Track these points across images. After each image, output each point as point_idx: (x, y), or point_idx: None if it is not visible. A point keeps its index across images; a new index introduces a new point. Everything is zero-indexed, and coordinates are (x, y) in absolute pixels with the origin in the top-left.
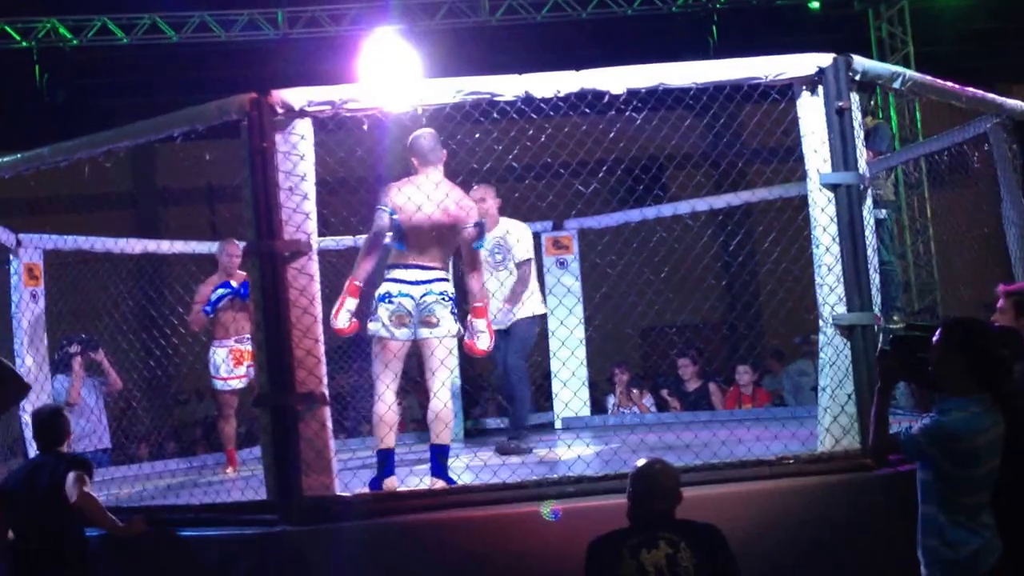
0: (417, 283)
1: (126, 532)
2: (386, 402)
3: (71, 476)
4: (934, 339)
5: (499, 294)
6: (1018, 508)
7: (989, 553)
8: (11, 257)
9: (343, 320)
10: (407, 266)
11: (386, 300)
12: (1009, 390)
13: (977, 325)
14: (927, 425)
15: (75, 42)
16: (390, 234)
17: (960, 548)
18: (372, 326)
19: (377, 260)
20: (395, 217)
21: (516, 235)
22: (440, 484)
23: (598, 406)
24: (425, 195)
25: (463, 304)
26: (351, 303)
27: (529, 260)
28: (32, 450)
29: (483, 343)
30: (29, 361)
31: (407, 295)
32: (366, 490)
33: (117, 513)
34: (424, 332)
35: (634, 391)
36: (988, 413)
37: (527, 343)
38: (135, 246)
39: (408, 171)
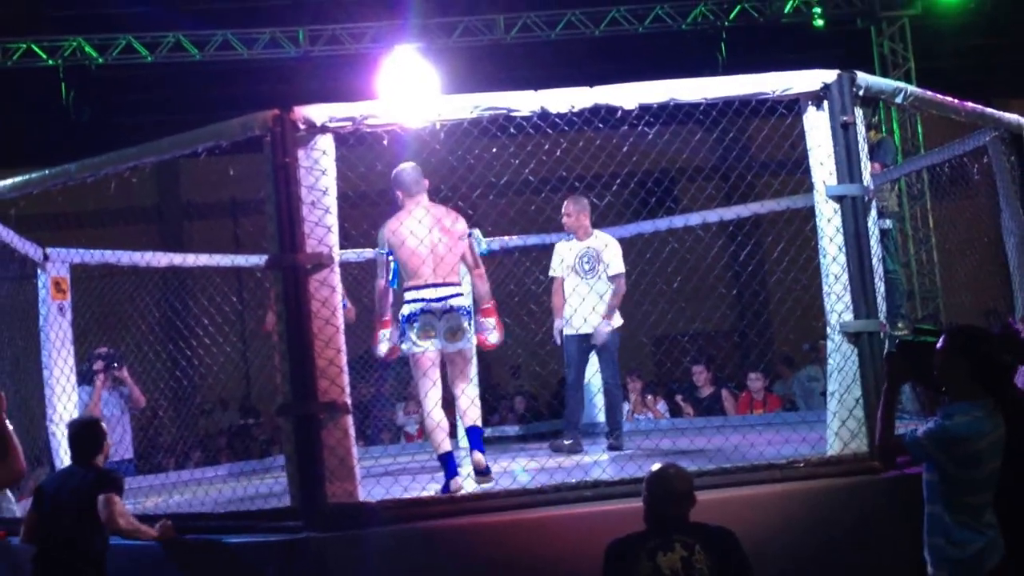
0: (436, 300)
1: (158, 539)
2: (434, 414)
3: (101, 499)
4: (938, 345)
5: (589, 299)
6: (1018, 509)
7: (993, 551)
8: (39, 271)
9: (383, 348)
10: (424, 286)
11: (410, 320)
12: (1010, 395)
13: (979, 332)
14: (931, 429)
15: (100, 60)
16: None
17: (965, 547)
18: (404, 346)
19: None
20: (391, 258)
21: (610, 249)
22: (479, 456)
23: None
24: (418, 222)
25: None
26: (386, 332)
27: (623, 274)
28: (59, 460)
29: (493, 338)
30: (57, 372)
31: (428, 311)
32: (389, 496)
33: (144, 521)
34: (450, 346)
35: (648, 397)
36: (990, 417)
37: (616, 354)
38: (160, 260)
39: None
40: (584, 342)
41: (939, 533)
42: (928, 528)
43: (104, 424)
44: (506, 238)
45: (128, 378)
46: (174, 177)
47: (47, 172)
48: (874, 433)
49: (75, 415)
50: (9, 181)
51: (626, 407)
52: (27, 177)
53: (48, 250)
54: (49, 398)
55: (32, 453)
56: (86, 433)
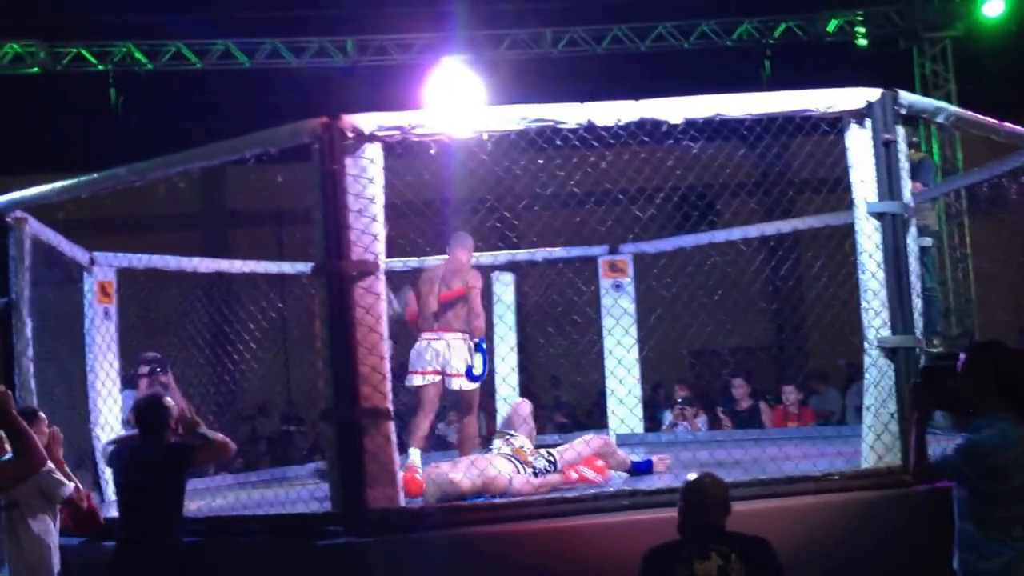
0: None
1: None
2: None
3: (198, 458)
4: (959, 364)
5: None
6: None
7: (1021, 563)
8: (85, 275)
9: None
10: None
11: None
12: None
13: (998, 347)
14: (960, 445)
15: (150, 66)
16: None
17: (994, 559)
18: None
19: None
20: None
21: None
22: None
23: (652, 423)
24: None
25: None
26: None
27: None
28: (102, 465)
29: None
30: (103, 376)
31: None
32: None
33: (185, 524)
34: None
35: (687, 410)
36: (1015, 429)
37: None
38: (208, 265)
39: None
40: None
41: (970, 549)
42: (959, 544)
43: (127, 429)
44: (550, 249)
45: (173, 384)
46: (221, 184)
47: (96, 176)
48: (908, 447)
49: (119, 419)
50: (58, 184)
51: (668, 416)
52: (76, 180)
53: (95, 254)
54: (94, 401)
55: (75, 456)
56: (150, 411)
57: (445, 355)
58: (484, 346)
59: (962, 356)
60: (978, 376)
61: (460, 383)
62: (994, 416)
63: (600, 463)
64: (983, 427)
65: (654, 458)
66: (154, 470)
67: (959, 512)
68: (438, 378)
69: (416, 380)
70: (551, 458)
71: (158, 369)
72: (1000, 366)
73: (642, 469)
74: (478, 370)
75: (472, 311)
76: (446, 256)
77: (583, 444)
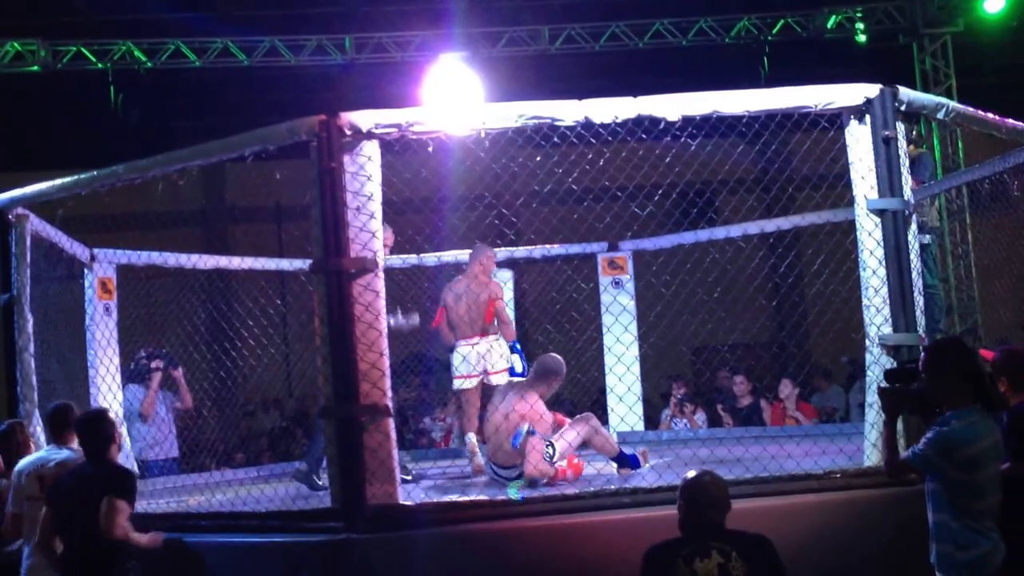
0: None
1: (145, 546)
2: None
3: (106, 501)
4: (922, 364)
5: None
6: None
7: (997, 553)
8: (86, 271)
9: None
10: None
11: None
12: (998, 396)
13: (958, 343)
14: (931, 437)
15: (149, 65)
16: None
17: (972, 550)
18: None
19: None
20: None
21: None
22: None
23: (652, 421)
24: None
25: None
26: None
27: None
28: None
29: None
30: (103, 371)
31: None
32: (428, 499)
33: (186, 519)
34: None
35: (687, 406)
36: (983, 421)
37: None
38: (206, 262)
39: None
40: None
41: (947, 540)
42: (936, 536)
43: (142, 422)
44: (549, 246)
45: (182, 379)
46: (220, 181)
47: (95, 173)
48: (910, 444)
49: (120, 414)
50: (58, 181)
51: (665, 413)
52: (76, 178)
53: (95, 251)
54: (95, 397)
55: None
56: (94, 427)
57: (486, 356)
58: (519, 347)
59: (922, 355)
60: (940, 373)
61: (500, 379)
62: (964, 409)
63: (576, 460)
64: (953, 419)
65: (638, 452)
66: (95, 493)
67: (933, 505)
68: (480, 378)
69: (463, 383)
70: (548, 441)
71: (171, 364)
72: (959, 361)
73: (631, 462)
74: (519, 367)
75: (501, 321)
76: (466, 266)
77: (574, 433)
